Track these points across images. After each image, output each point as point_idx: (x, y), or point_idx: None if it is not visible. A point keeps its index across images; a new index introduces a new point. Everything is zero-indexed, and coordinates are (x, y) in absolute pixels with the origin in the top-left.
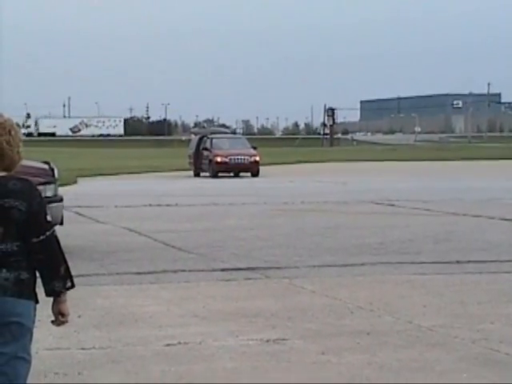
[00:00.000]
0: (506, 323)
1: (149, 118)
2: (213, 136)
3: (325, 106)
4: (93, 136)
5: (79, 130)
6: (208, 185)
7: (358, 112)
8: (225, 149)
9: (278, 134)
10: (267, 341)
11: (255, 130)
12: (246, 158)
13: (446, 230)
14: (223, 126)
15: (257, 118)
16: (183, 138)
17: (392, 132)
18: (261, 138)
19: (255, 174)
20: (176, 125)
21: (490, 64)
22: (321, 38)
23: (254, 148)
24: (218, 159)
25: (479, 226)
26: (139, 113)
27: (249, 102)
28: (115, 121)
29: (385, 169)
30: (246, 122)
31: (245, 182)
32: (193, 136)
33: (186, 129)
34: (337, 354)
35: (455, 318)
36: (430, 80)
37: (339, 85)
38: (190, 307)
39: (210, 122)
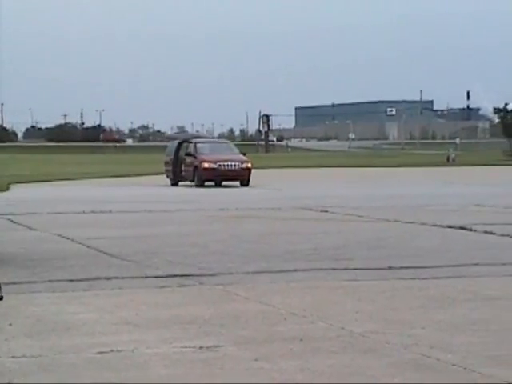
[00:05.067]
0: (437, 328)
1: (83, 124)
2: (197, 140)
3: (260, 113)
4: None
5: None
6: (144, 191)
7: (293, 118)
8: (212, 154)
9: None
10: (200, 348)
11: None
12: (237, 164)
13: (379, 237)
14: (159, 132)
15: (192, 124)
16: (117, 144)
17: (327, 138)
18: None
19: (245, 183)
20: (111, 131)
21: (423, 71)
22: (256, 45)
23: (243, 154)
24: (206, 165)
25: (411, 232)
26: (73, 119)
27: (184, 108)
28: None
29: (319, 175)
30: (181, 128)
31: (180, 189)
32: (174, 141)
33: (120, 135)
34: (270, 360)
35: (387, 324)
36: (364, 87)
37: (274, 91)
38: (123, 314)
39: (144, 128)
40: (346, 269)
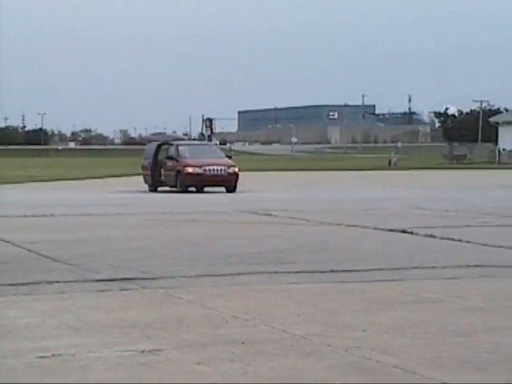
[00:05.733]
0: (378, 331)
1: (24, 127)
2: (178, 142)
3: (203, 117)
4: None
5: None
6: (88, 195)
7: (236, 122)
8: (196, 157)
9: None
10: (142, 351)
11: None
12: (223, 168)
13: (322, 240)
14: (101, 135)
15: (135, 128)
16: (59, 147)
17: (269, 142)
18: (139, 148)
19: (232, 190)
20: (53, 134)
21: (365, 76)
22: (198, 48)
23: (229, 157)
24: (189, 170)
25: (353, 236)
26: (15, 122)
27: (127, 112)
28: None
29: (263, 179)
30: (124, 132)
31: (123, 193)
32: (152, 143)
33: (62, 138)
34: (212, 363)
35: (329, 327)
36: (306, 91)
37: (217, 95)
38: (64, 319)
39: (87, 131)
40: (288, 272)
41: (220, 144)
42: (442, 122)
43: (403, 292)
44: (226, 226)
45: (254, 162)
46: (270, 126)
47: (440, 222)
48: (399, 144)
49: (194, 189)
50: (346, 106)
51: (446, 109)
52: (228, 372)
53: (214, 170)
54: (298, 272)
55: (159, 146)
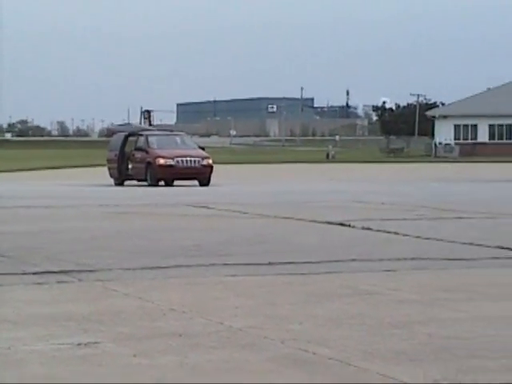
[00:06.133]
0: (315, 323)
1: None
2: (148, 133)
3: (141, 108)
4: None
5: None
6: (27, 187)
7: (175, 115)
8: (167, 148)
9: (94, 136)
10: (78, 344)
11: (70, 132)
12: (197, 160)
13: (260, 233)
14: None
15: (72, 119)
16: None
17: (208, 135)
18: (76, 140)
19: (206, 183)
20: None
21: (304, 69)
22: (137, 40)
23: (202, 149)
24: (161, 161)
25: (291, 229)
26: None
27: (64, 103)
28: None
29: None
30: (61, 124)
31: (65, 184)
32: (119, 134)
33: None
34: (148, 356)
35: (266, 319)
36: (245, 84)
37: (156, 87)
38: (0, 312)
39: (24, 122)
40: (226, 264)
41: None
42: (380, 116)
43: (341, 284)
44: (165, 218)
45: None
46: (208, 118)
47: (377, 215)
48: (337, 137)
49: (162, 182)
50: (285, 99)
51: (384, 102)
52: (164, 364)
53: (187, 161)
54: (236, 264)
55: (127, 137)
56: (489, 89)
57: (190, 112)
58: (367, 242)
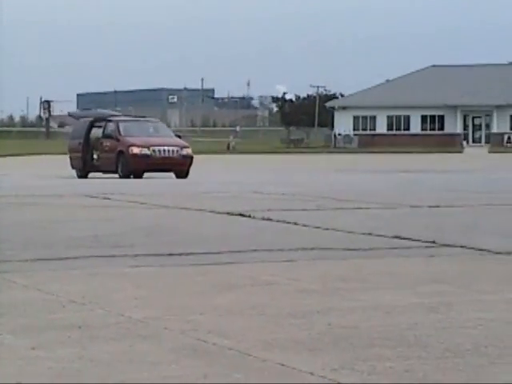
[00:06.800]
0: (215, 314)
1: None
2: (119, 119)
3: (41, 99)
4: None
5: None
6: None
7: (75, 105)
8: (142, 136)
9: None
10: None
11: None
12: (175, 149)
13: (160, 223)
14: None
15: None
16: None
17: None
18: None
19: (184, 176)
20: None
21: (204, 59)
22: (34, 30)
23: (179, 137)
24: (135, 150)
25: (192, 219)
26: None
27: None
28: None
29: None
30: None
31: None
32: (83, 120)
33: None
34: (47, 348)
35: (166, 310)
36: (146, 74)
37: (56, 77)
38: None
39: None
40: (126, 255)
41: (58, 127)
42: (280, 107)
43: (242, 275)
44: (64, 209)
45: None
46: (109, 108)
47: (277, 206)
48: (238, 128)
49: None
50: (186, 89)
51: (284, 93)
52: (63, 356)
53: (164, 151)
54: (135, 255)
55: (92, 124)
56: (387, 81)
57: (90, 102)
58: (267, 233)
